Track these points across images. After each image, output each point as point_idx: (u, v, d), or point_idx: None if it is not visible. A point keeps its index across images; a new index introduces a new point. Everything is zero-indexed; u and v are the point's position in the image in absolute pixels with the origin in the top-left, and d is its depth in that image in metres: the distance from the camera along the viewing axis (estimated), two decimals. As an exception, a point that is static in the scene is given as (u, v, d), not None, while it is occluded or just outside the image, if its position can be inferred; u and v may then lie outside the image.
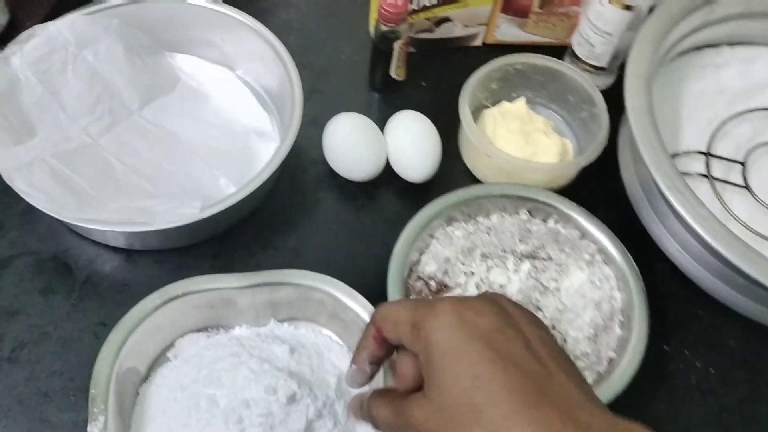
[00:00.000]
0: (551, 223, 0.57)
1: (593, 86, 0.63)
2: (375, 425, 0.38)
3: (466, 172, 0.65)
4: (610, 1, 0.61)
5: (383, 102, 0.69)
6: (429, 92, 0.70)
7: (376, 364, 0.40)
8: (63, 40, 0.60)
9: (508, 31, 0.71)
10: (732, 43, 0.71)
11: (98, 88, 0.61)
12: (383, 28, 0.62)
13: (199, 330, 0.52)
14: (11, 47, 0.57)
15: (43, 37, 0.59)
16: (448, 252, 0.54)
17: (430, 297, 0.52)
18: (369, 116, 0.65)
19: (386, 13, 0.60)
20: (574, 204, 0.56)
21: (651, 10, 0.62)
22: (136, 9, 0.63)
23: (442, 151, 0.62)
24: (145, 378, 0.50)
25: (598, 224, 0.55)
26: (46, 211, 0.50)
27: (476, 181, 0.64)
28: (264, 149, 0.62)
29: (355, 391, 0.45)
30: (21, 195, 0.50)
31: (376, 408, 0.38)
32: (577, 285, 0.52)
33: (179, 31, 0.66)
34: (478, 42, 0.73)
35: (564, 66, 0.64)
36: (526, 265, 0.52)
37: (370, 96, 0.70)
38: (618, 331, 0.52)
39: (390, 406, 0.36)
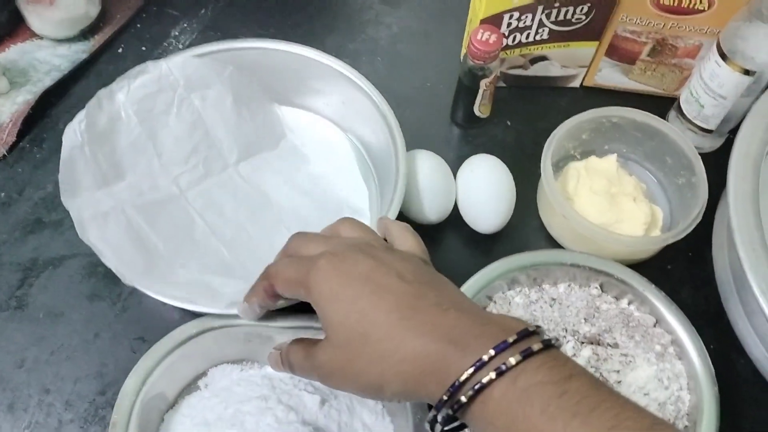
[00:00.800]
0: (624, 302, 0.52)
1: (695, 153, 0.57)
2: (291, 370, 0.43)
3: (541, 229, 0.60)
4: (726, 62, 0.55)
5: (463, 138, 0.65)
6: (514, 133, 0.65)
7: (266, 308, 0.46)
8: (173, 81, 0.56)
9: (610, 75, 0.66)
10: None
11: (198, 136, 0.58)
12: (471, 63, 0.58)
13: (234, 362, 0.51)
14: (119, 82, 0.54)
15: (153, 75, 0.55)
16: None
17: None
18: (447, 151, 0.61)
19: (476, 50, 0.56)
20: (653, 286, 0.51)
21: (775, 77, 0.55)
22: (256, 52, 0.59)
23: (518, 201, 0.58)
24: (173, 404, 0.49)
25: (677, 312, 0.50)
26: (112, 269, 0.48)
27: (550, 239, 0.59)
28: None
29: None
30: (91, 248, 0.48)
31: (292, 354, 0.42)
32: (642, 381, 0.47)
33: (293, 82, 0.61)
34: (575, 84, 0.68)
35: (665, 125, 0.58)
36: (587, 351, 0.47)
37: (450, 129, 0.66)
38: (682, 438, 0.46)
39: (302, 351, 0.41)
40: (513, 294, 0.52)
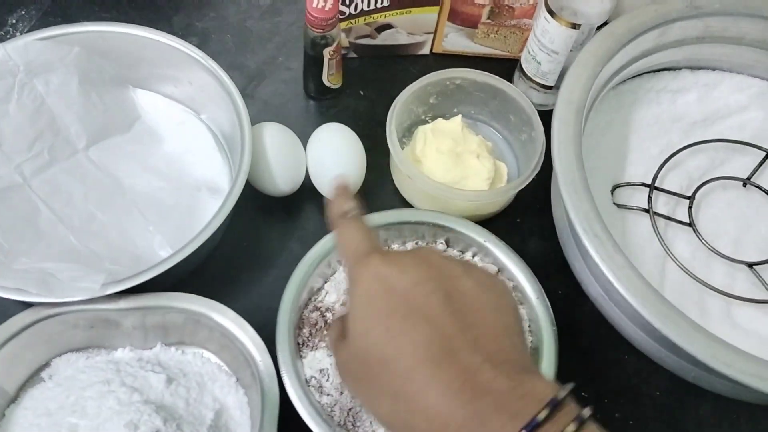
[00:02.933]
0: (469, 255, 0.53)
1: (533, 108, 0.59)
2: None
3: (395, 192, 0.61)
4: (555, 18, 0.57)
5: (317, 110, 0.66)
6: (367, 102, 0.66)
7: None
8: (11, 66, 0.54)
9: (457, 41, 0.67)
10: (693, 68, 0.66)
11: (42, 123, 0.56)
12: (311, 33, 0.58)
13: (79, 350, 0.49)
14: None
15: (-12, 61, 0.53)
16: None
17: (325, 331, 0.48)
18: (302, 124, 0.62)
19: (313, 19, 0.56)
20: (494, 236, 0.52)
21: (600, 29, 0.57)
22: (101, 36, 0.57)
23: (372, 167, 0.59)
24: (15, 398, 0.47)
25: (517, 260, 0.51)
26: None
27: (404, 202, 0.61)
28: (213, 207, 0.52)
29: None
30: None
31: (331, 330, 0.38)
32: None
33: (146, 66, 0.59)
34: (425, 51, 0.69)
35: (505, 84, 0.60)
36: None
37: (305, 102, 0.66)
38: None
39: (333, 336, 0.36)
40: (361, 256, 0.52)
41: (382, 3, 0.62)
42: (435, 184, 0.55)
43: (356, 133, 0.59)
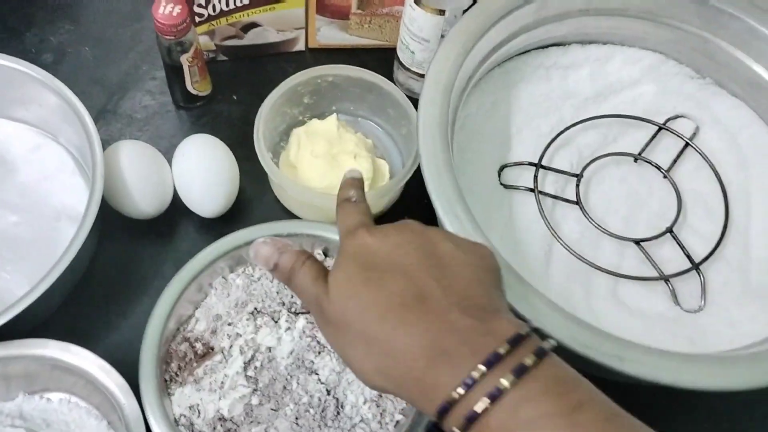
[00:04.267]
0: (348, 263, 0.51)
1: (407, 101, 0.56)
2: (288, 281, 0.37)
3: (276, 202, 0.58)
4: (420, 5, 0.54)
5: (188, 119, 0.62)
6: (241, 106, 0.63)
7: None
8: None
9: (331, 34, 0.64)
10: (584, 42, 0.64)
11: None
12: (165, 41, 0.54)
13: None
14: None
15: None
16: (221, 306, 0.47)
17: (195, 365, 0.45)
18: (172, 135, 0.58)
19: (162, 26, 0.53)
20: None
21: (468, 11, 0.55)
22: None
23: (252, 176, 0.56)
24: None
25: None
26: None
27: (286, 212, 0.58)
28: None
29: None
30: None
31: (302, 274, 0.36)
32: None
33: None
34: (299, 47, 0.66)
35: (378, 78, 0.57)
36: (301, 322, 0.46)
37: (174, 113, 0.62)
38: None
39: (314, 281, 0.36)
40: (235, 276, 0.49)
41: (242, 2, 0.58)
42: (307, 192, 0.52)
43: (231, 141, 0.56)
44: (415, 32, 0.57)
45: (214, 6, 0.58)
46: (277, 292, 0.48)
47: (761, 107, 0.60)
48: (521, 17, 0.57)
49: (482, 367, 0.29)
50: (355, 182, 0.41)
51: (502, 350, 0.29)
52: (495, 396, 0.28)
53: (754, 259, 0.54)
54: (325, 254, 0.51)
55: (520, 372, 0.29)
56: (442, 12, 0.54)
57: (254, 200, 0.57)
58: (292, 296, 0.48)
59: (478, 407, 0.28)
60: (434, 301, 0.32)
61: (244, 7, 0.59)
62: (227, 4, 0.58)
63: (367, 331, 0.32)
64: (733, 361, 0.42)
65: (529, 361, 0.29)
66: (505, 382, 0.28)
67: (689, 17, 0.60)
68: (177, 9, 0.52)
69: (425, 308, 0.32)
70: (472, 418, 0.29)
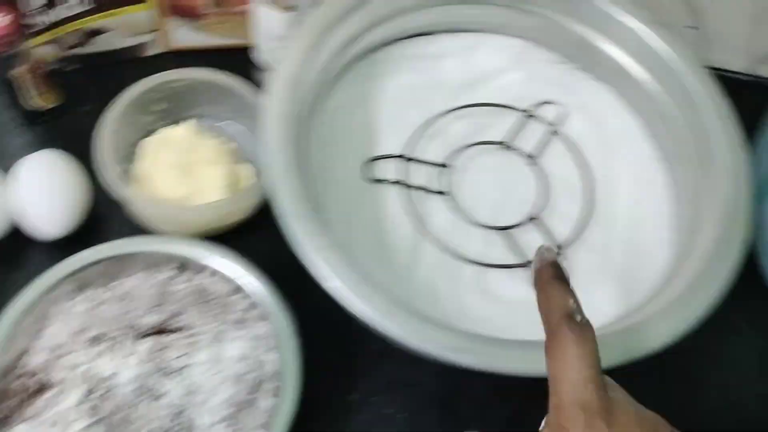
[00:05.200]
0: (202, 277, 0.48)
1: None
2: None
3: (134, 218, 0.55)
4: (267, 4, 0.52)
5: (36, 137, 0.58)
6: (93, 117, 0.59)
7: None
8: None
9: (187, 36, 0.62)
10: (453, 31, 0.64)
11: None
12: (-7, 54, 0.51)
13: None
14: None
15: None
16: (63, 335, 0.44)
17: (29, 401, 0.42)
18: (21, 156, 0.54)
19: (-14, 38, 0.49)
20: (230, 252, 0.48)
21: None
22: None
23: (105, 194, 0.52)
24: None
25: (256, 273, 0.47)
26: None
27: (144, 228, 0.55)
28: None
29: None
30: None
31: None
32: (214, 356, 0.44)
33: None
34: (155, 50, 0.63)
35: (232, 80, 0.55)
36: (146, 344, 0.43)
37: (21, 130, 0.58)
38: (270, 401, 0.44)
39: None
40: (78, 301, 0.46)
41: (82, 8, 0.55)
42: (156, 205, 0.49)
43: (84, 155, 0.53)
44: (265, 31, 0.55)
45: (50, 15, 0.54)
46: (126, 313, 0.45)
47: (625, 92, 0.61)
48: (378, 7, 0.56)
49: None
50: (560, 271, 0.33)
51: None
52: None
53: (617, 241, 0.54)
54: (180, 270, 0.49)
55: None
56: (291, 8, 0.52)
57: (110, 217, 0.54)
58: (136, 319, 0.45)
59: None
60: None
61: (86, 14, 0.56)
62: (65, 12, 0.55)
63: None
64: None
65: None
66: None
67: (551, 3, 0.60)
68: (4, 21, 0.49)
69: None
70: None
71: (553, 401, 0.30)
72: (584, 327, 0.30)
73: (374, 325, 0.41)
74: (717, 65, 0.70)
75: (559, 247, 0.53)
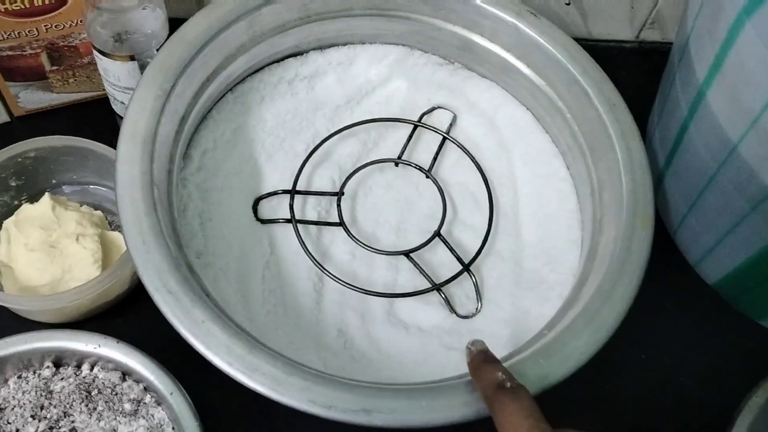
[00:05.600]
0: (86, 368, 0.44)
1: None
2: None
3: (6, 309, 0.49)
4: (107, 56, 0.48)
5: None
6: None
7: None
8: None
9: (34, 98, 0.56)
10: (323, 47, 0.60)
11: None
12: None
13: None
14: None
15: None
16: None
17: None
18: None
19: None
20: (111, 339, 0.43)
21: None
22: None
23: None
24: None
25: (143, 358, 0.42)
26: None
27: (17, 318, 0.49)
28: None
29: None
30: None
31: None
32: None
33: None
34: (3, 118, 0.57)
35: (87, 142, 0.50)
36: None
37: None
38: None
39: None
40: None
41: None
42: (20, 299, 0.44)
43: None
44: (113, 82, 0.50)
45: None
46: (7, 426, 0.40)
47: (510, 86, 0.58)
48: (231, 39, 0.51)
49: None
50: (488, 355, 0.36)
51: None
52: None
53: (525, 245, 0.52)
54: (57, 365, 0.44)
55: None
56: (132, 58, 0.48)
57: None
58: (22, 426, 0.40)
59: None
60: None
61: None
62: None
63: None
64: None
65: None
66: None
67: (417, 6, 0.57)
68: None
69: None
70: None
71: None
72: (516, 389, 0.33)
73: (269, 397, 0.37)
74: (604, 37, 0.69)
75: (463, 264, 0.50)
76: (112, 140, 0.50)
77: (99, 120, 0.57)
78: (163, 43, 0.47)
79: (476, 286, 0.49)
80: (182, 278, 0.39)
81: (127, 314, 0.50)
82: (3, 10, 0.47)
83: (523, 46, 0.55)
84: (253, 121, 0.55)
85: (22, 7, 0.48)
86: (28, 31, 0.50)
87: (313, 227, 0.52)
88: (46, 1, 0.48)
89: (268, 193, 0.52)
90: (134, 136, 0.43)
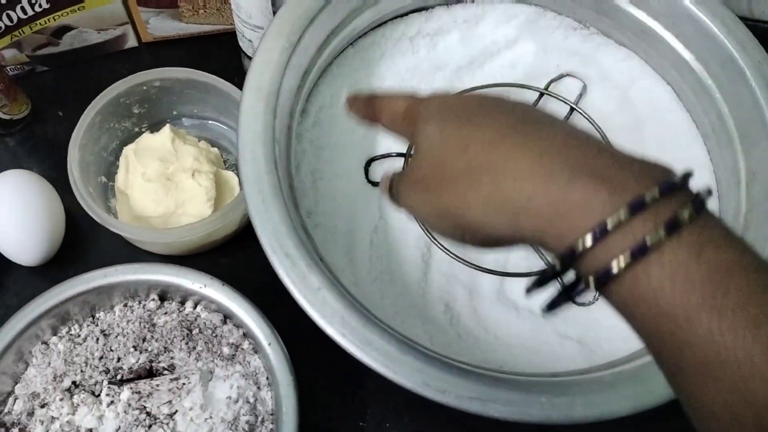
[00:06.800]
0: (189, 306, 0.44)
1: (247, 102, 0.49)
2: (390, 199, 0.34)
3: (115, 235, 0.50)
4: (239, -10, 0.47)
5: (6, 147, 0.54)
6: (69, 124, 0.53)
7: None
8: None
9: (163, 25, 0.56)
10: (450, 3, 0.56)
11: None
12: (-54, 68, 0.46)
13: None
14: None
15: None
16: (39, 382, 0.41)
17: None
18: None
19: (-66, 53, 0.44)
20: (216, 281, 0.43)
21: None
22: None
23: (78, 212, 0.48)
24: None
25: (245, 304, 0.42)
26: None
27: (126, 245, 0.50)
28: None
29: None
30: None
31: (388, 178, 0.34)
32: (203, 400, 0.40)
33: None
34: (131, 43, 0.57)
35: (212, 78, 0.50)
36: (126, 393, 0.39)
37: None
38: (269, 443, 0.41)
39: (396, 173, 0.33)
40: (57, 340, 0.43)
41: (40, 6, 0.49)
42: (133, 230, 0.45)
43: (58, 166, 0.49)
44: (245, 19, 0.49)
45: (9, 16, 0.49)
46: (101, 358, 0.41)
47: (652, 57, 0.54)
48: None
49: (622, 212, 0.23)
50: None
51: (649, 196, 0.24)
52: (638, 252, 0.23)
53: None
54: (162, 298, 0.45)
55: (672, 227, 0.23)
56: (270, -6, 0.46)
57: (92, 235, 0.50)
58: (118, 360, 0.41)
59: (614, 265, 0.23)
60: (547, 128, 0.27)
61: (46, 12, 0.50)
62: (24, 12, 0.49)
63: (473, 163, 0.27)
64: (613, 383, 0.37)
65: (685, 214, 0.23)
66: (653, 237, 0.23)
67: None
68: (-52, 31, 0.44)
69: (540, 134, 0.27)
70: (606, 275, 0.24)
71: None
72: (366, 96, 0.35)
73: (381, 373, 0.36)
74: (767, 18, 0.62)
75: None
76: (234, 77, 0.50)
77: (223, 55, 0.57)
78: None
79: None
80: (299, 241, 0.38)
81: (232, 254, 0.50)
82: (143, -64, 0.47)
83: (674, 14, 0.50)
84: (372, 78, 0.53)
85: (162, -66, 0.47)
86: (164, -41, 0.49)
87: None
88: (185, -70, 0.47)
89: (381, 155, 0.50)
90: (259, 89, 0.42)
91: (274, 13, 0.48)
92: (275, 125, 0.42)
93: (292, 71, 0.44)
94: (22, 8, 0.49)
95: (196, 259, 0.49)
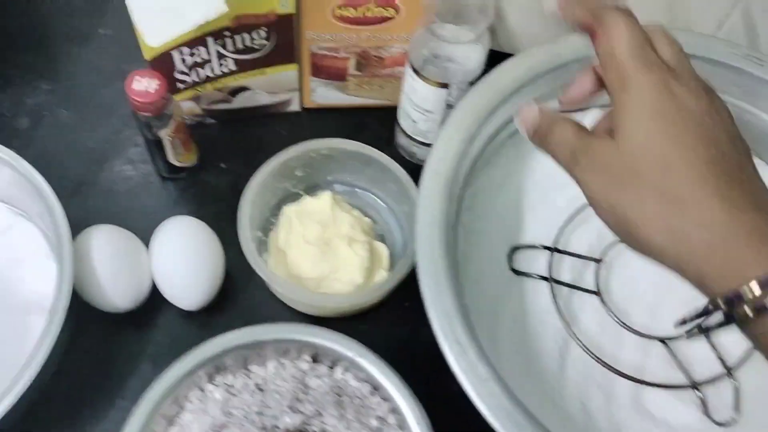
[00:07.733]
0: (339, 372, 0.45)
1: (409, 179, 0.51)
2: (546, 146, 0.35)
3: (266, 288, 0.53)
4: (420, 77, 0.49)
5: (173, 192, 0.57)
6: (231, 176, 0.57)
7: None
8: None
9: (327, 94, 0.59)
10: (604, 105, 0.58)
11: None
12: (142, 116, 0.49)
13: None
14: None
15: None
16: (197, 427, 0.42)
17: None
18: (157, 211, 0.53)
19: (138, 104, 0.48)
20: (369, 352, 0.44)
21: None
22: None
23: (239, 260, 0.50)
24: None
25: (396, 379, 0.43)
26: None
27: (276, 300, 0.52)
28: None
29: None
30: None
31: (560, 129, 0.34)
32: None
33: None
34: (294, 107, 0.60)
35: (376, 153, 0.52)
36: (284, 451, 0.41)
37: (160, 185, 0.57)
38: None
39: (577, 134, 0.33)
40: (213, 387, 0.44)
41: (228, 67, 0.53)
42: (294, 289, 0.47)
43: (219, 215, 0.52)
44: (417, 103, 0.51)
45: (198, 73, 0.53)
46: (258, 413, 0.43)
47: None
48: (537, 89, 0.51)
49: None
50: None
51: None
52: None
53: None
54: (314, 360, 0.46)
55: None
56: (445, 85, 0.49)
57: (242, 286, 0.52)
58: (280, 415, 0.43)
59: None
60: (746, 179, 0.30)
61: (233, 73, 0.54)
62: (213, 71, 0.53)
63: (670, 188, 0.29)
64: None
65: None
66: None
67: (727, 87, 0.54)
68: (154, 85, 0.47)
69: (739, 184, 0.29)
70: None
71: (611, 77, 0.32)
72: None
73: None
74: None
75: (726, 367, 0.47)
76: (383, 148, 0.52)
77: (375, 126, 0.60)
78: (476, 83, 0.48)
79: (737, 393, 0.46)
80: (468, 328, 0.39)
81: (373, 321, 0.51)
82: (338, 17, 0.50)
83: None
84: (524, 169, 0.54)
85: (356, 16, 0.50)
86: (349, 38, 0.52)
87: (564, 289, 0.51)
88: (377, 14, 0.50)
89: (527, 245, 0.51)
90: (437, 174, 0.44)
91: (447, 101, 0.50)
92: (449, 210, 0.43)
93: (467, 160, 0.46)
94: (212, 68, 0.52)
95: (338, 323, 0.51)
